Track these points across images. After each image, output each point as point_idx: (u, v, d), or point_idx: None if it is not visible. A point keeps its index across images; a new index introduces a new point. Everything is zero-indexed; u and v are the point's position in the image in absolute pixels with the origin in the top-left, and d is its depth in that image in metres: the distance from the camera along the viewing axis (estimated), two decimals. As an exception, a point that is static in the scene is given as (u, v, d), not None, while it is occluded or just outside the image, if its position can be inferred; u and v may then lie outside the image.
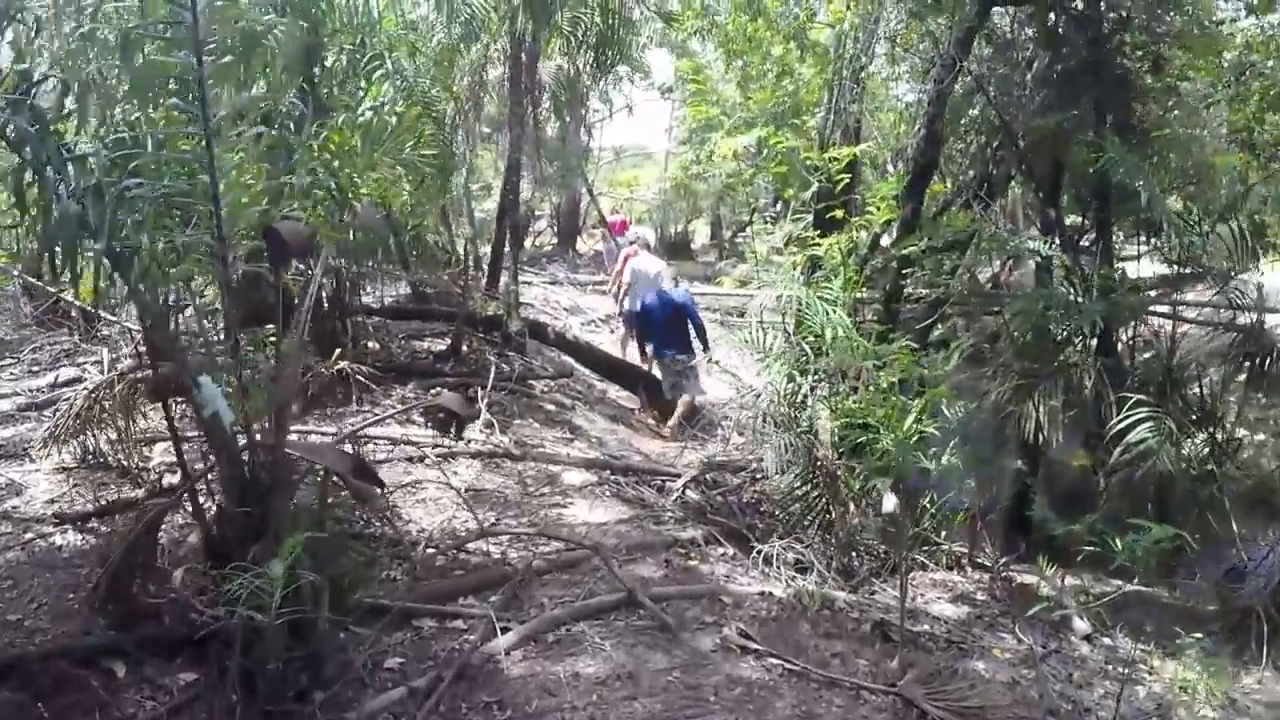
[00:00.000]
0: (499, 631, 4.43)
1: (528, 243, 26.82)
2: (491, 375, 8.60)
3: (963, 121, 10.47)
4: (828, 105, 10.58)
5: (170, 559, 4.92)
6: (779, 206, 19.37)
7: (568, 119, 21.44)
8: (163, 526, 4.87)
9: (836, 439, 6.95)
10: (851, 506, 6.46)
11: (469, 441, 7.29)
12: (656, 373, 10.45)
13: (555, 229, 27.34)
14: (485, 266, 14.37)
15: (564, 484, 6.83)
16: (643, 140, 33.79)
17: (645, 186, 30.29)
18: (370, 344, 10.19)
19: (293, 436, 5.76)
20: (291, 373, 3.99)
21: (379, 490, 4.24)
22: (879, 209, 7.72)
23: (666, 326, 10.03)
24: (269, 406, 4.04)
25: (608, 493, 6.77)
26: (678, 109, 26.88)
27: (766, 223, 14.56)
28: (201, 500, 4.38)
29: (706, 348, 10.35)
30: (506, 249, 12.29)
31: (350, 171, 4.83)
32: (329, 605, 4.19)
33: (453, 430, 4.35)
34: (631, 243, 12.97)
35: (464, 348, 10.03)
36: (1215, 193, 10.06)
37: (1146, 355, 9.16)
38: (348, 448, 5.50)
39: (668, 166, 28.18)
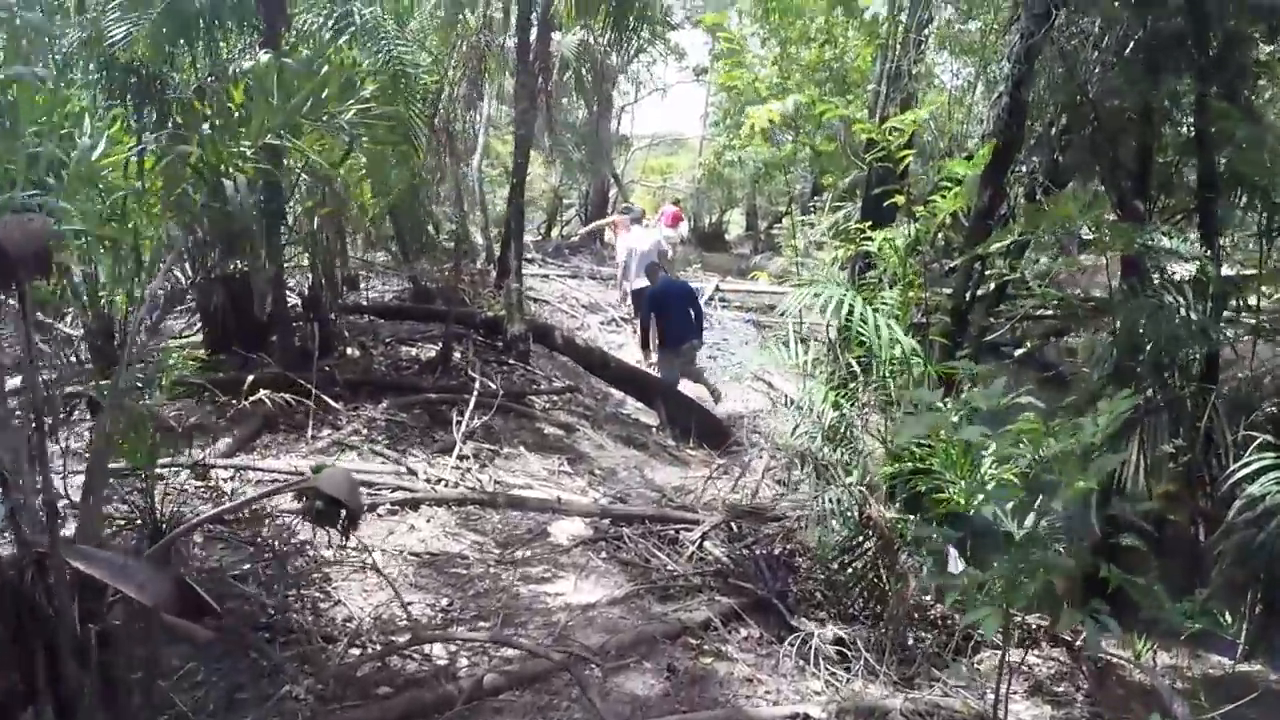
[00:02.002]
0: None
1: (554, 232, 25.55)
2: (475, 392, 7.25)
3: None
4: (880, 73, 9.13)
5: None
6: (818, 197, 17.92)
7: (594, 99, 20.10)
8: None
9: (890, 488, 5.58)
10: (912, 580, 5.04)
11: (437, 483, 5.96)
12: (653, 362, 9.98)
13: (583, 217, 25.90)
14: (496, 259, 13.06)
15: (551, 541, 5.46)
16: (678, 127, 32.58)
17: (679, 174, 28.97)
18: (350, 350, 8.90)
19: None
20: (101, 443, 2.65)
21: (214, 623, 2.90)
22: (945, 196, 6.31)
23: (681, 313, 9.63)
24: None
25: (604, 554, 5.38)
26: (714, 94, 25.44)
27: (810, 211, 13.16)
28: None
29: (700, 340, 10.14)
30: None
31: (234, 139, 3.50)
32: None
33: (340, 525, 3.01)
34: (626, 212, 12.07)
35: (455, 355, 8.70)
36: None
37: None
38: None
39: (702, 153, 26.73)
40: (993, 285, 7.70)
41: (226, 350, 7.87)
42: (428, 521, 5.38)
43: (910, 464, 5.30)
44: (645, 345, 10.09)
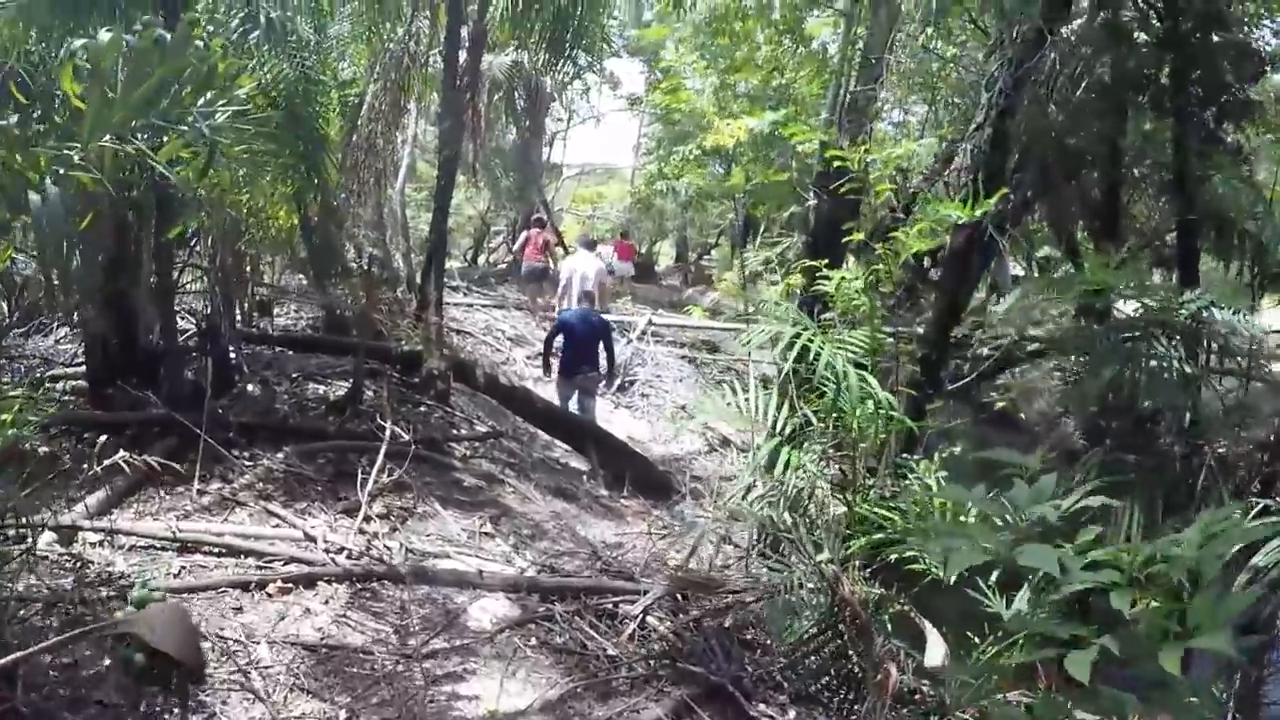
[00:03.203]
0: None
1: (481, 259, 24.70)
2: (386, 440, 6.45)
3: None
4: (833, 103, 8.62)
5: None
6: (754, 233, 17.43)
7: (525, 123, 19.43)
8: None
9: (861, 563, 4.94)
10: (893, 669, 4.39)
11: (338, 552, 5.15)
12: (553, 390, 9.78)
13: (510, 245, 25.13)
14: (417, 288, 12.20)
15: (471, 624, 4.67)
16: (611, 157, 32.21)
17: (610, 204, 28.43)
18: (249, 387, 8.01)
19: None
20: None
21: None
22: (908, 236, 5.76)
23: (585, 346, 9.45)
24: None
25: (533, 640, 4.62)
26: (648, 124, 25.00)
27: (743, 245, 12.71)
28: None
29: (612, 379, 10.48)
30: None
31: (56, 138, 2.72)
32: None
33: (172, 684, 2.24)
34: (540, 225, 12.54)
35: (367, 394, 7.87)
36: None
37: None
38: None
39: (634, 182, 26.23)
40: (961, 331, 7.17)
41: (112, 385, 6.98)
42: (325, 603, 4.55)
43: (882, 534, 4.71)
44: (546, 366, 9.77)
